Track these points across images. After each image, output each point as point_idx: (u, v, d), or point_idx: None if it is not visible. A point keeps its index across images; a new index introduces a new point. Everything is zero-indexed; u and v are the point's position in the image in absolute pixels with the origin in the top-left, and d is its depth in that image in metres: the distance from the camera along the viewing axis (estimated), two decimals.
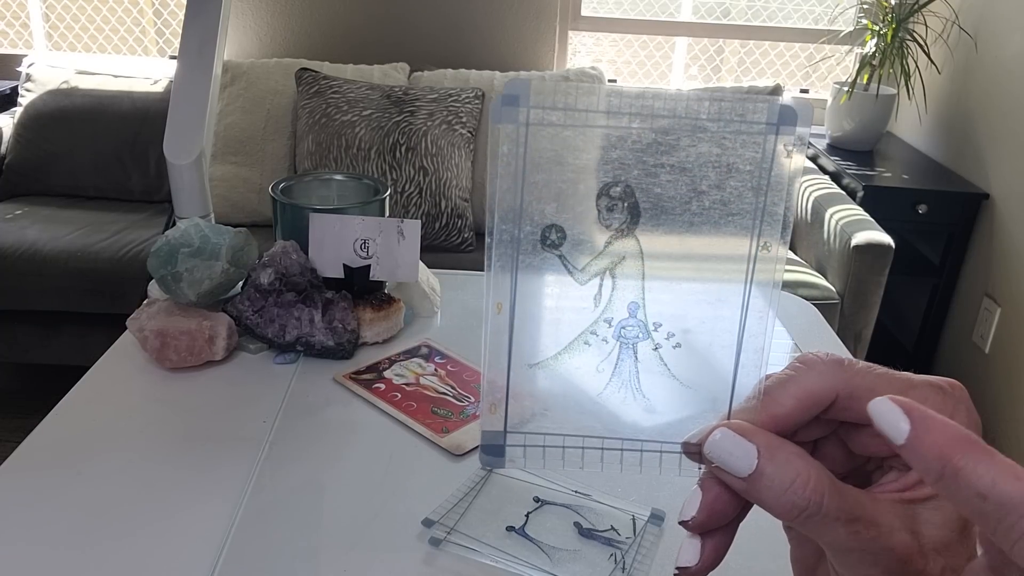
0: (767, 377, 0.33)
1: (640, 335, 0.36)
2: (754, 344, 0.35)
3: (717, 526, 0.31)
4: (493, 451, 0.36)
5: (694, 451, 0.33)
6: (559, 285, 0.35)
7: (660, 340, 0.35)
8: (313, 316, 0.97)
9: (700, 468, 0.33)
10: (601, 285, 0.35)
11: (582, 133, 0.34)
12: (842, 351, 1.09)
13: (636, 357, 0.36)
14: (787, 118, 0.33)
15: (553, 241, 0.35)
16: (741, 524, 0.32)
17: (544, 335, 0.35)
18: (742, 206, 0.34)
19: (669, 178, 0.34)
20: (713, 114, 0.34)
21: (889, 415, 0.25)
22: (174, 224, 1.05)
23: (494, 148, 0.33)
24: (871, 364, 0.31)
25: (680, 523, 0.32)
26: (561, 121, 0.33)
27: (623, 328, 0.35)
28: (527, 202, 0.34)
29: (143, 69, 2.65)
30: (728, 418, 0.33)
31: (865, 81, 2.51)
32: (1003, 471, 0.23)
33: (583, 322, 0.35)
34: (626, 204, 0.34)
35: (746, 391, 0.33)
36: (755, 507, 0.31)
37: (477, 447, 0.83)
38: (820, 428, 0.32)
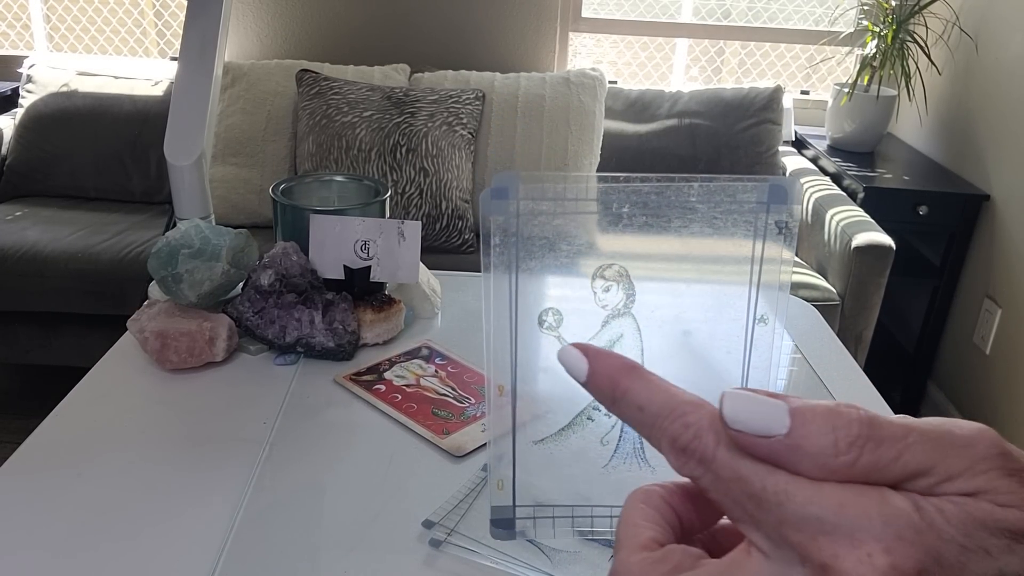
0: None
1: None
2: None
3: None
4: (503, 524, 0.36)
5: None
6: (558, 366, 0.35)
7: None
8: (313, 317, 0.97)
9: None
10: None
11: (573, 220, 0.34)
12: (842, 353, 1.09)
13: None
14: (777, 196, 0.34)
15: (550, 324, 0.35)
16: None
17: (547, 413, 0.36)
18: (736, 282, 0.35)
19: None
20: (703, 195, 0.34)
21: (572, 358, 0.29)
22: (174, 225, 1.05)
23: (487, 238, 0.33)
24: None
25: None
26: (552, 210, 0.34)
27: None
28: (522, 289, 0.34)
29: (144, 70, 2.65)
30: None
31: (866, 82, 2.51)
32: (656, 388, 0.27)
33: (585, 399, 0.35)
34: (621, 285, 0.35)
35: None
36: None
37: (477, 448, 0.83)
38: None
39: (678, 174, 0.33)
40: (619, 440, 0.36)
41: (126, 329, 0.98)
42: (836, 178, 2.47)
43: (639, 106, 2.60)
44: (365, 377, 0.95)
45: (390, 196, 1.10)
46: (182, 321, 0.95)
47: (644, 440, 0.36)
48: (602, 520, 0.36)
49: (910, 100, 2.49)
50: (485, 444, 0.84)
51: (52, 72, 2.61)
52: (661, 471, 0.35)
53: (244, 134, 2.44)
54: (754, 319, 0.35)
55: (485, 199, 0.33)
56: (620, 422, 0.36)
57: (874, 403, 0.96)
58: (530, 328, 0.35)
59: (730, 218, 0.34)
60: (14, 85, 2.73)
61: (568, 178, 0.34)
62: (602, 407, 0.35)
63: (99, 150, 2.52)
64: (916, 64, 2.46)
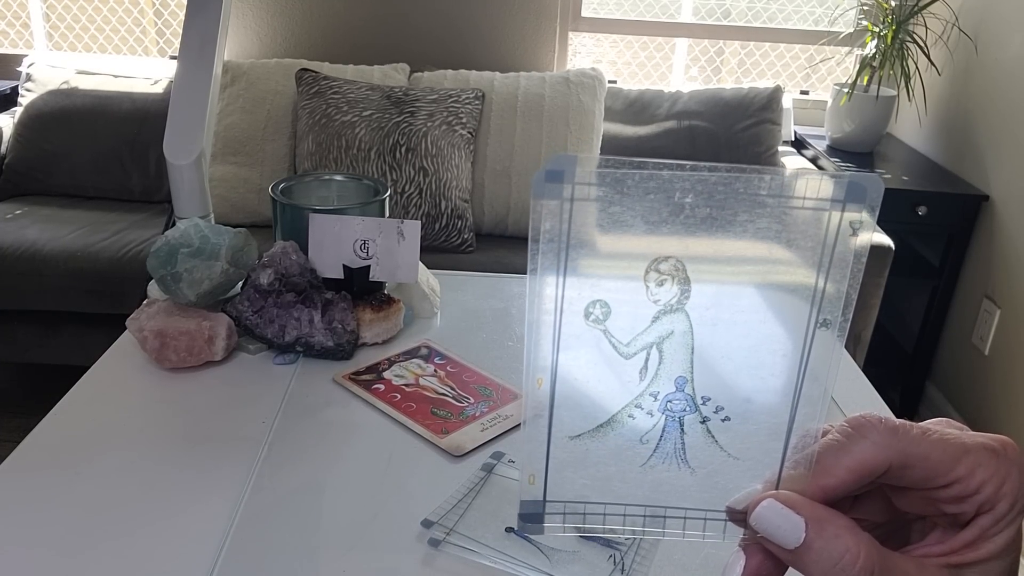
0: (818, 437, 0.32)
1: (687, 408, 0.35)
2: (807, 415, 0.34)
3: None
4: (532, 519, 0.35)
5: (738, 517, 0.33)
6: (603, 359, 0.34)
7: (708, 414, 0.35)
8: (313, 317, 0.97)
9: (745, 533, 0.33)
10: (647, 359, 0.34)
11: (631, 208, 0.32)
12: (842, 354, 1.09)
13: (682, 430, 0.35)
14: (855, 194, 0.32)
15: (597, 316, 0.33)
16: None
17: (586, 409, 0.34)
18: (801, 282, 0.33)
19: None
20: (774, 189, 0.32)
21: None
22: (174, 224, 1.05)
23: (536, 224, 0.31)
24: (925, 428, 0.31)
25: None
26: (608, 196, 0.32)
27: (669, 402, 0.35)
28: (570, 278, 0.33)
29: (143, 69, 2.65)
30: (777, 486, 0.33)
31: (865, 83, 2.51)
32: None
33: (627, 396, 0.34)
34: (676, 280, 0.33)
35: (796, 457, 0.33)
36: None
37: (476, 448, 0.83)
38: (865, 486, 0.32)
39: (749, 165, 0.31)
40: (660, 439, 0.35)
41: (125, 328, 0.98)
42: None
43: (638, 106, 2.60)
44: (364, 376, 0.95)
45: (389, 195, 1.10)
46: (181, 320, 0.95)
47: (686, 441, 0.35)
48: (634, 519, 0.35)
49: (909, 100, 2.49)
50: (486, 442, 0.84)
51: (51, 71, 2.61)
52: (701, 473, 0.35)
53: (243, 133, 2.44)
54: (816, 322, 0.33)
55: (538, 181, 0.31)
56: (662, 421, 0.35)
57: (873, 404, 0.97)
58: (575, 320, 0.33)
59: (801, 214, 0.32)
60: (13, 84, 2.73)
61: (629, 162, 0.31)
62: (644, 404, 0.34)
63: (98, 149, 2.52)
64: (916, 64, 2.46)
